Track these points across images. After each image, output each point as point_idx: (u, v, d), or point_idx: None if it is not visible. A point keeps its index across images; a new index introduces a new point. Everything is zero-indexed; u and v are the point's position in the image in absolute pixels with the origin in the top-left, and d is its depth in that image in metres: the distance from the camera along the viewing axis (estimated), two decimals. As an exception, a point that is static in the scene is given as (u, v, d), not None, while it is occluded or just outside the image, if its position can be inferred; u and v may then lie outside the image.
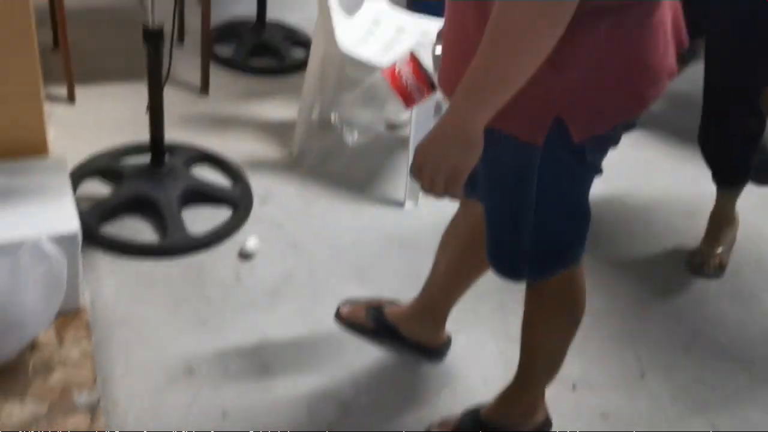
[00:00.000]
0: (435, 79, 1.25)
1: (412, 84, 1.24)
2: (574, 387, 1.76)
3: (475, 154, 1.03)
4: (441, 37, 1.29)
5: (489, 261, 1.31)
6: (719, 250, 2.16)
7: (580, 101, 1.07)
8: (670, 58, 1.14)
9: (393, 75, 1.25)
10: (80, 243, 1.62)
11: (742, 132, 2.03)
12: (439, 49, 1.28)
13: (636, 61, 1.08)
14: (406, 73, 1.25)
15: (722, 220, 2.18)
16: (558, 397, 1.65)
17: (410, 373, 1.73)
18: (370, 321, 1.78)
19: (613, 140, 1.20)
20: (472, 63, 0.98)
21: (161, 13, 1.90)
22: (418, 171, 1.08)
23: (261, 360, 1.70)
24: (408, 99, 1.25)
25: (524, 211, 1.20)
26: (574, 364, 1.82)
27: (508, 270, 1.30)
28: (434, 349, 1.75)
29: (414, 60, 1.25)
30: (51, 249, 1.44)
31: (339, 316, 1.83)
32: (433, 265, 1.67)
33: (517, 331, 1.44)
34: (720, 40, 1.90)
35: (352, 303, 1.84)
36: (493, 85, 0.97)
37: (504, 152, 1.11)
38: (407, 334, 1.75)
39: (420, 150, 1.08)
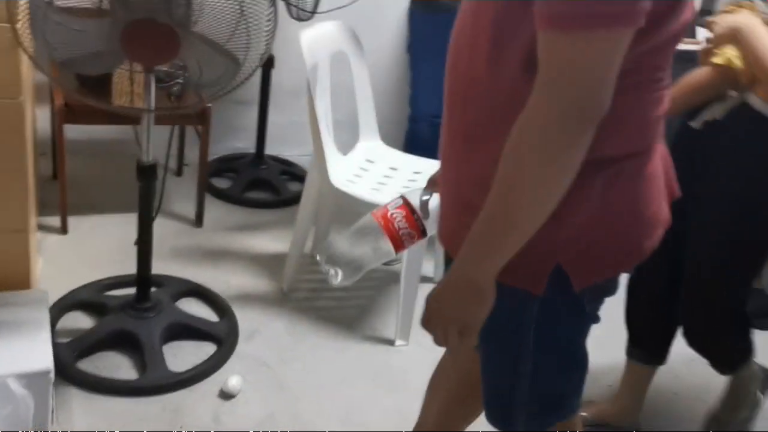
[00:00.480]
0: (425, 225, 1.24)
1: (403, 229, 1.24)
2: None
3: (488, 305, 1.00)
4: (433, 183, 1.29)
5: (484, 409, 1.26)
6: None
7: (580, 251, 1.04)
8: (664, 208, 1.13)
9: (385, 218, 1.25)
10: (52, 380, 1.56)
11: (736, 310, 1.79)
12: (426, 195, 1.28)
13: (634, 212, 1.07)
14: (398, 217, 1.25)
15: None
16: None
17: None
18: None
19: (611, 289, 1.17)
20: (481, 213, 0.96)
21: (158, 146, 1.93)
22: (429, 323, 1.05)
23: None
24: (398, 244, 1.24)
25: (521, 360, 1.15)
26: None
27: (502, 420, 1.24)
28: None
29: (406, 205, 1.25)
30: (17, 389, 1.37)
31: None
32: (422, 411, 1.59)
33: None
34: (706, 233, 1.70)
35: None
36: (503, 235, 0.95)
37: (502, 302, 1.04)
38: None
39: (431, 302, 1.05)
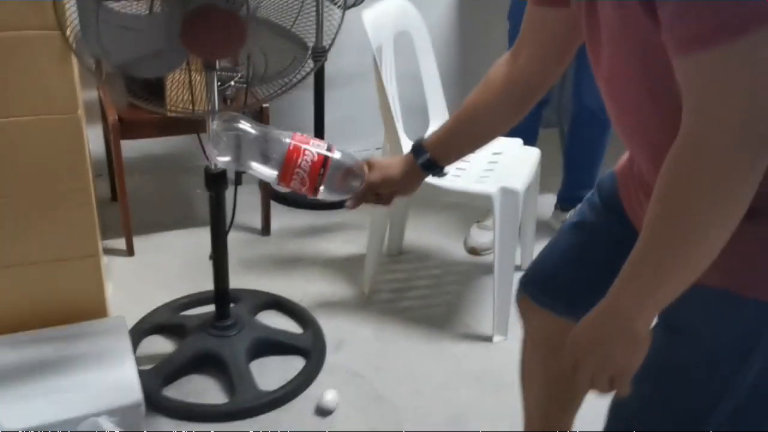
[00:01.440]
0: (322, 188, 1.17)
1: (302, 170, 1.15)
2: None
3: (643, 352, 0.86)
4: (370, 165, 1.22)
5: None
6: None
7: None
8: None
9: (298, 149, 1.15)
10: (144, 414, 1.43)
11: None
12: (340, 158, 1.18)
13: None
14: (308, 159, 1.15)
15: None
16: None
17: None
18: None
19: None
20: (636, 247, 0.82)
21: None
22: (575, 369, 0.91)
23: None
24: (286, 177, 1.16)
25: (727, 395, 0.92)
26: None
27: None
28: None
29: (325, 159, 1.16)
30: (109, 427, 1.25)
31: None
32: (524, 411, 1.42)
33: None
34: None
35: None
36: (666, 276, 0.80)
37: (734, 321, 0.88)
38: None
39: (577, 346, 0.90)
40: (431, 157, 1.20)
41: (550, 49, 1.11)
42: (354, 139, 3.12)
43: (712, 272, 0.80)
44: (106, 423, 1.25)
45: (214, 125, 1.24)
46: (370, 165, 1.23)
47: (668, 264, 0.79)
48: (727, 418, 0.92)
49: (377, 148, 2.45)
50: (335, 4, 2.40)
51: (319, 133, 2.90)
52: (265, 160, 1.18)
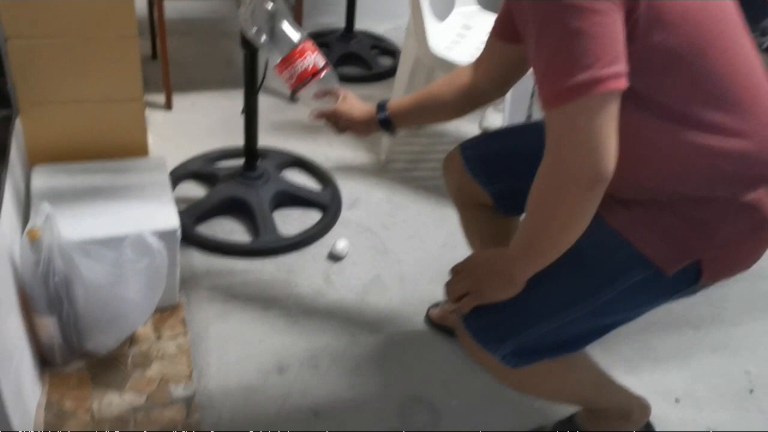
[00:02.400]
0: (301, 91, 1.44)
1: (295, 71, 1.40)
2: (677, 401, 1.66)
3: (512, 295, 1.14)
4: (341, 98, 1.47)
5: (476, 330, 1.19)
6: None
7: (723, 256, 1.13)
8: None
9: (302, 52, 1.41)
10: (179, 238, 1.66)
11: None
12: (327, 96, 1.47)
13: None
14: (309, 61, 1.41)
15: None
16: (661, 412, 1.57)
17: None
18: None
19: None
20: (523, 229, 1.11)
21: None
22: (458, 278, 1.20)
23: (351, 361, 1.69)
24: (281, 68, 1.41)
25: (580, 305, 1.15)
26: (676, 378, 1.73)
27: (494, 341, 1.18)
28: None
29: (315, 70, 1.41)
30: (154, 242, 1.47)
31: (429, 318, 1.81)
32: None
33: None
34: None
35: (442, 305, 1.81)
36: (541, 256, 1.09)
37: (625, 258, 1.12)
38: None
39: (469, 266, 1.20)
40: (388, 117, 1.46)
41: (502, 73, 1.36)
42: (383, 16, 3.21)
43: (616, 216, 1.11)
44: (150, 237, 1.46)
45: (249, 5, 1.47)
46: (345, 97, 1.49)
47: (541, 249, 1.09)
48: (563, 324, 1.16)
49: (405, 28, 2.56)
50: None
51: (350, 7, 3.00)
52: (276, 45, 1.42)
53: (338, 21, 3.10)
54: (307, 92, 1.44)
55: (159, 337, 1.67)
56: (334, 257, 1.99)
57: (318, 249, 2.02)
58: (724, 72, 1.05)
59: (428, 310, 1.82)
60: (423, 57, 2.18)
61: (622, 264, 1.12)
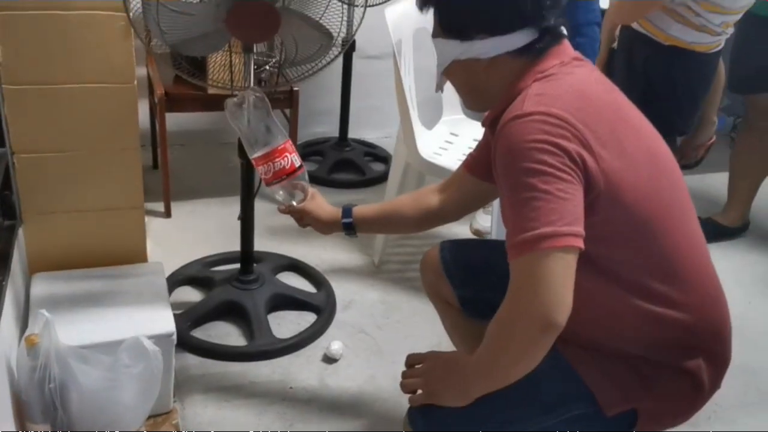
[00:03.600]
0: (276, 186, 1.53)
1: (273, 167, 1.49)
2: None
3: (461, 404, 1.18)
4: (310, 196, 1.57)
5: (420, 425, 1.24)
6: None
7: (660, 408, 1.22)
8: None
9: (283, 151, 1.50)
10: (174, 342, 1.68)
11: None
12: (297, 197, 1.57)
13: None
14: (287, 162, 1.50)
15: None
16: None
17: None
18: None
19: None
20: (479, 353, 1.15)
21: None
22: (410, 374, 1.27)
23: (346, 465, 1.68)
24: (260, 162, 1.50)
25: (518, 429, 1.21)
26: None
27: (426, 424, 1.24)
28: None
29: (293, 168, 1.50)
30: (150, 346, 1.49)
31: None
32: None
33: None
34: None
35: None
36: (487, 377, 1.14)
37: (571, 394, 1.20)
38: None
39: (427, 365, 1.26)
40: (353, 222, 1.56)
41: (466, 201, 1.50)
42: (376, 125, 3.35)
43: (571, 350, 1.20)
44: (146, 341, 1.49)
45: (238, 97, 1.59)
46: (313, 195, 1.59)
47: (493, 377, 1.13)
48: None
49: (396, 136, 2.67)
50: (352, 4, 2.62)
51: (344, 117, 3.13)
52: (257, 140, 1.52)
53: (332, 130, 3.23)
54: (279, 187, 1.55)
55: (152, 444, 1.66)
56: (329, 359, 2.00)
57: (313, 351, 2.03)
58: (672, 248, 1.17)
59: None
60: (413, 162, 2.27)
61: (568, 394, 1.21)
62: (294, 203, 1.57)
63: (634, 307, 1.17)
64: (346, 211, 1.56)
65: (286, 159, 1.50)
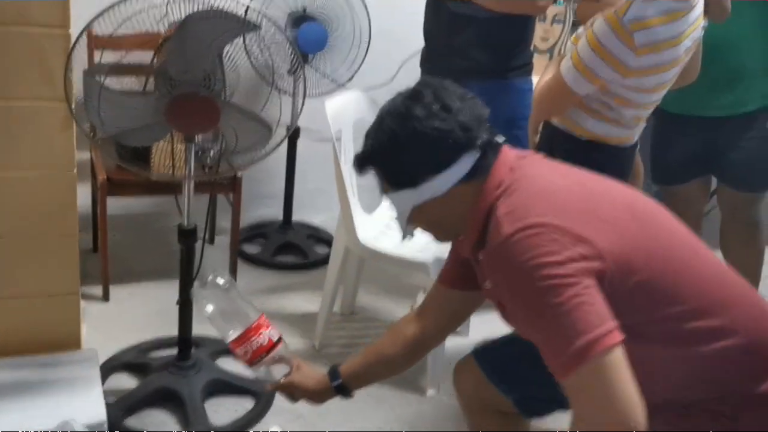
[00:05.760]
0: (257, 366, 1.48)
1: (251, 347, 1.45)
2: None
3: None
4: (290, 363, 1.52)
5: None
6: None
7: None
8: None
9: (258, 328, 1.46)
10: (106, 432, 1.65)
11: None
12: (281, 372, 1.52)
13: None
14: (260, 341, 1.46)
15: None
16: None
17: None
18: None
19: None
20: None
21: (195, 218, 2.06)
22: None
23: None
24: (237, 344, 1.46)
25: None
26: None
27: None
28: None
29: (271, 345, 1.47)
30: (79, 428, 1.47)
31: None
32: None
33: None
34: None
35: None
36: None
37: None
38: None
39: None
40: (343, 383, 1.53)
41: (450, 317, 1.50)
42: (320, 208, 3.40)
43: (650, 421, 1.11)
44: (76, 425, 1.46)
45: (203, 284, 1.54)
46: (298, 366, 1.55)
47: None
48: None
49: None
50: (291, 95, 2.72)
51: (288, 200, 3.19)
52: (229, 322, 1.48)
53: (276, 213, 3.28)
54: (263, 365, 1.50)
55: None
56: (267, 447, 1.98)
57: (250, 438, 2.01)
58: (695, 283, 1.19)
59: None
60: (352, 247, 2.32)
61: None
62: (281, 379, 1.52)
63: (687, 356, 1.16)
64: (334, 374, 1.53)
65: (262, 336, 1.46)
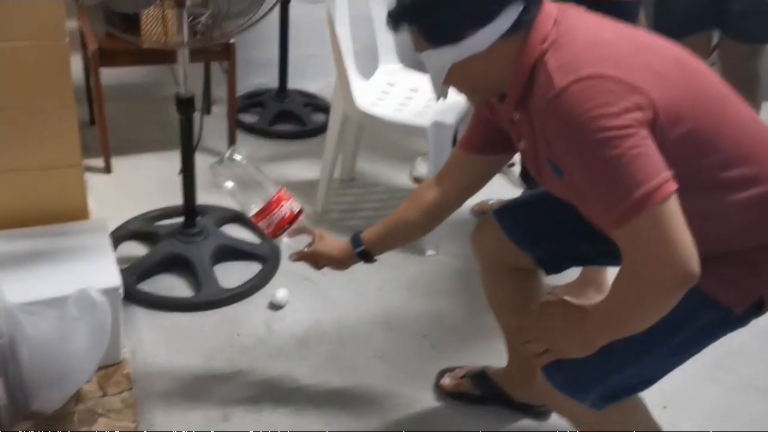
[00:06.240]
0: (281, 237, 1.50)
1: (273, 219, 1.47)
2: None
3: (589, 354, 1.23)
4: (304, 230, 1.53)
5: (561, 384, 1.29)
6: None
7: None
8: None
9: (278, 201, 1.47)
10: (122, 295, 1.72)
11: None
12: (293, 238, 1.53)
13: None
14: (282, 213, 1.47)
15: None
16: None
17: (456, 416, 1.78)
18: (476, 389, 1.80)
19: None
20: (606, 310, 1.20)
21: (191, 87, 2.04)
22: (529, 338, 1.30)
23: (294, 406, 1.77)
24: (259, 217, 1.47)
25: (654, 350, 1.25)
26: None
27: (579, 390, 1.29)
28: (542, 409, 1.76)
29: (293, 216, 1.48)
30: (97, 296, 1.54)
31: (442, 388, 1.83)
32: (498, 321, 1.71)
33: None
34: None
35: (451, 374, 1.85)
36: (618, 332, 1.19)
37: (693, 306, 1.19)
38: (516, 397, 1.77)
39: (545, 324, 1.29)
40: (365, 248, 1.55)
41: (471, 183, 1.49)
42: (315, 75, 3.36)
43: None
44: (93, 292, 1.53)
45: (220, 161, 1.52)
46: (321, 236, 1.56)
47: (624, 332, 1.18)
48: (644, 367, 1.27)
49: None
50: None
51: (283, 68, 3.14)
52: (249, 197, 1.48)
53: (272, 81, 3.24)
54: (286, 236, 1.52)
55: (104, 394, 1.71)
56: (275, 306, 2.08)
57: (259, 299, 2.10)
58: (732, 131, 1.19)
59: (437, 380, 1.85)
60: (350, 113, 2.32)
61: (693, 308, 1.20)
62: (305, 248, 1.55)
63: (727, 203, 1.19)
64: (356, 241, 1.55)
65: (283, 208, 1.47)
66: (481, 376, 1.81)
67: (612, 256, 1.22)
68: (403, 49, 2.67)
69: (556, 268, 1.57)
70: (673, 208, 1.07)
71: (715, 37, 2.64)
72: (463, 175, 1.48)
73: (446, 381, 1.83)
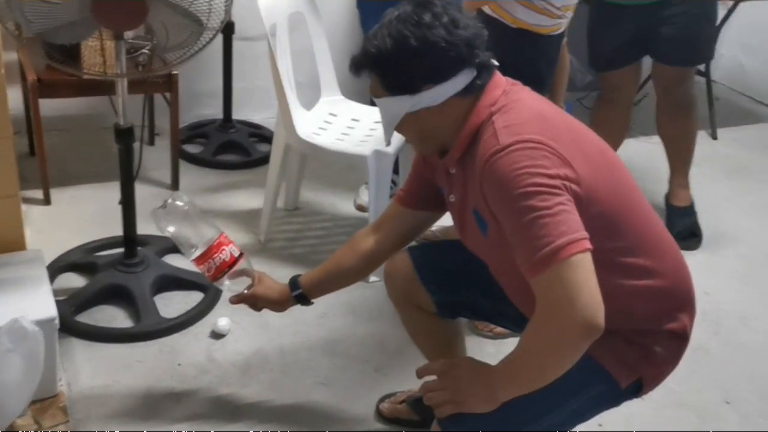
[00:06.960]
0: (221, 281, 1.55)
1: (213, 263, 1.52)
2: None
3: (491, 409, 1.26)
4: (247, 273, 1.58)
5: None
6: None
7: (659, 371, 1.38)
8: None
9: (219, 245, 1.53)
10: (57, 326, 1.70)
11: None
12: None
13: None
14: (223, 257, 1.52)
15: None
16: None
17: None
18: (416, 414, 1.81)
19: None
20: (514, 355, 1.25)
21: (131, 117, 2.05)
22: (435, 387, 1.32)
23: (235, 433, 1.77)
24: (200, 262, 1.53)
25: (548, 417, 1.32)
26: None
27: None
28: None
29: (233, 260, 1.53)
30: (30, 327, 1.52)
31: (381, 414, 1.85)
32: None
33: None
34: None
35: (390, 399, 1.87)
36: (522, 384, 1.24)
37: (590, 377, 1.30)
38: None
39: (451, 376, 1.30)
40: (303, 292, 1.63)
41: (404, 235, 1.59)
42: (261, 106, 3.39)
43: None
44: (25, 322, 1.51)
45: (163, 206, 1.56)
46: (260, 279, 1.63)
47: (530, 384, 1.23)
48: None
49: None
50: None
51: (227, 99, 3.16)
52: (190, 241, 1.53)
53: (217, 112, 3.25)
54: (225, 280, 1.57)
55: (39, 428, 1.68)
56: (217, 335, 2.08)
57: (200, 329, 2.10)
58: (640, 225, 1.33)
59: (377, 405, 1.87)
60: (292, 143, 2.36)
61: (588, 376, 1.30)
62: (244, 291, 1.60)
63: (622, 287, 1.30)
64: (294, 284, 1.62)
65: (224, 252, 1.52)
66: (420, 401, 1.82)
67: (505, 318, 1.37)
68: (345, 81, 2.73)
69: (451, 314, 1.65)
70: (587, 264, 1.17)
71: (645, 73, 2.78)
72: (397, 226, 1.58)
73: (385, 406, 1.86)
